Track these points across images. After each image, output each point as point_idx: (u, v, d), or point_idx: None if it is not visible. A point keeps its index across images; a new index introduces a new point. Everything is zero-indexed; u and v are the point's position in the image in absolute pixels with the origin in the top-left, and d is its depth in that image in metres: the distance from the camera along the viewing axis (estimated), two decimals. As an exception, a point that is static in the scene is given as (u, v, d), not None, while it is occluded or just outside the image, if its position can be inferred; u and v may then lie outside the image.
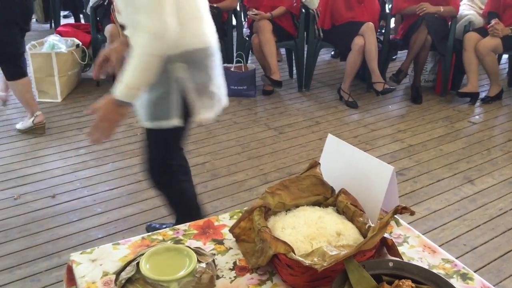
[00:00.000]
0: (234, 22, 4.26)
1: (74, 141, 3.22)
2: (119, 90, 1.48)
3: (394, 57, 4.97)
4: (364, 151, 1.27)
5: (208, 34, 1.69)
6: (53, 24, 5.66)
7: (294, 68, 4.38)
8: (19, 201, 2.57)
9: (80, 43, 3.99)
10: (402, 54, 4.93)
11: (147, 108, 1.68)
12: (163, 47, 1.48)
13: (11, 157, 3.02)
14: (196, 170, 2.93)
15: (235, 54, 4.16)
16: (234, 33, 4.24)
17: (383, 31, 4.30)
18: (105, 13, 3.97)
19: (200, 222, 1.25)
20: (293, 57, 4.32)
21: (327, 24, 3.97)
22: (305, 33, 4.15)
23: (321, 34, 4.04)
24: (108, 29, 3.84)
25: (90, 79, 4.21)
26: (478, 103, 4.00)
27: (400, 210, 0.99)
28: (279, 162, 3.05)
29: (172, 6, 1.46)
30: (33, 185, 2.71)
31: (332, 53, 5.14)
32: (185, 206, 2.00)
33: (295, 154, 3.16)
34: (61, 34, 4.08)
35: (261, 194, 1.18)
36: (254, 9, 3.94)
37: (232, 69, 4.04)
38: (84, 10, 4.65)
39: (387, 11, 4.23)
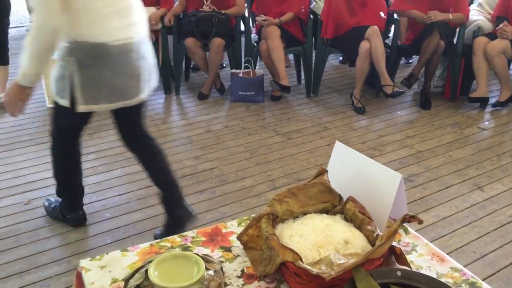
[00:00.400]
0: (242, 27, 4.27)
1: (84, 146, 3.23)
2: (19, 76, 1.83)
3: (409, 61, 4.97)
4: (373, 157, 1.27)
5: (105, 33, 1.84)
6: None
7: (303, 74, 4.39)
8: (29, 206, 2.59)
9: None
10: (414, 59, 4.94)
11: (52, 81, 1.99)
12: (46, 41, 1.76)
13: (21, 162, 3.05)
14: (204, 176, 2.94)
15: (243, 60, 4.17)
16: (242, 39, 4.26)
17: (390, 35, 4.30)
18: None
19: (208, 229, 1.26)
20: (301, 62, 4.33)
21: (329, 34, 3.98)
22: (313, 38, 4.16)
23: (329, 40, 4.05)
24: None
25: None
26: (488, 109, 3.98)
27: (408, 218, 0.99)
28: (287, 168, 3.05)
29: (55, 7, 1.70)
30: (43, 190, 2.73)
31: (341, 58, 5.14)
32: (60, 180, 2.34)
33: (303, 160, 3.16)
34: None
35: (269, 201, 1.18)
36: (262, 15, 3.96)
37: (240, 75, 4.06)
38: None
39: (395, 16, 4.22)
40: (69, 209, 2.42)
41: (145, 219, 2.51)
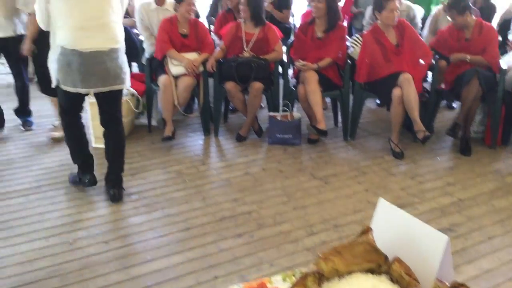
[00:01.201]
0: (280, 70, 4.38)
1: (127, 186, 3.34)
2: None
3: (452, 105, 4.97)
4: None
5: (73, 41, 2.77)
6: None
7: (340, 117, 4.43)
8: (74, 246, 2.68)
9: (135, 92, 4.20)
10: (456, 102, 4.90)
11: (50, 67, 2.97)
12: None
13: (67, 202, 3.17)
14: (242, 219, 2.98)
15: (281, 103, 4.26)
16: (281, 81, 4.35)
17: (429, 79, 4.31)
18: (159, 64, 4.18)
19: (254, 283, 1.28)
20: (339, 106, 4.38)
21: (362, 78, 4.03)
22: (350, 83, 4.21)
23: (366, 85, 4.10)
24: (162, 79, 4.04)
25: (143, 125, 4.41)
26: (531, 156, 3.89)
27: (458, 287, 0.99)
28: (325, 213, 3.05)
29: (41, 11, 2.82)
30: (87, 230, 2.83)
31: (378, 101, 5.17)
32: (71, 149, 3.20)
33: (341, 205, 3.16)
34: (117, 83, 4.31)
35: (314, 259, 1.20)
36: (300, 60, 4.06)
37: (278, 118, 4.13)
38: (140, 60, 4.90)
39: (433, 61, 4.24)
40: (82, 172, 3.21)
41: (185, 262, 2.55)
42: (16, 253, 2.60)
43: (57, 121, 4.17)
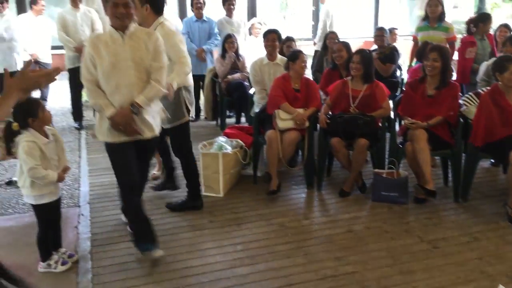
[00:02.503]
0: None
1: (233, 236, 3.47)
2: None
3: None
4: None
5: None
6: (219, 122, 6.37)
7: (450, 176, 4.24)
8: (184, 292, 2.83)
9: (243, 144, 4.42)
10: None
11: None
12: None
13: (178, 247, 3.36)
14: (344, 280, 2.94)
15: (386, 160, 4.20)
16: (387, 136, 4.31)
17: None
18: (267, 118, 4.37)
19: None
20: (449, 165, 4.20)
21: (479, 141, 3.84)
22: (463, 141, 4.05)
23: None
24: (269, 134, 4.21)
25: (249, 176, 4.59)
26: None
27: None
28: (434, 281, 2.90)
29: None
30: (195, 277, 2.97)
31: (492, 160, 4.87)
32: (193, 176, 3.91)
33: (452, 274, 2.99)
34: (227, 135, 4.57)
35: None
36: (409, 118, 4.00)
37: (384, 175, 4.06)
38: (249, 113, 5.18)
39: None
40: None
41: (287, 320, 2.57)
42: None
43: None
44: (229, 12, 6.82)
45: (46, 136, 2.92)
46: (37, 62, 6.63)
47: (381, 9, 12.88)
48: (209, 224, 3.69)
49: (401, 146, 4.16)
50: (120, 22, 2.88)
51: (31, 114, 2.81)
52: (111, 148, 3.05)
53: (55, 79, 1.81)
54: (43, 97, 6.81)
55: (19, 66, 6.17)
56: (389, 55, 5.63)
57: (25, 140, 2.81)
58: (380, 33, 5.86)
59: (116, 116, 2.90)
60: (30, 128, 2.84)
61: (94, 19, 6.25)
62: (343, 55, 4.76)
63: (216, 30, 6.68)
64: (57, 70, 1.81)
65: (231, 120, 6.46)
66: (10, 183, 4.47)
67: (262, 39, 4.99)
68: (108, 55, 2.88)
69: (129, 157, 3.03)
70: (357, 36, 12.24)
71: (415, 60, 5.62)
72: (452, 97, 3.99)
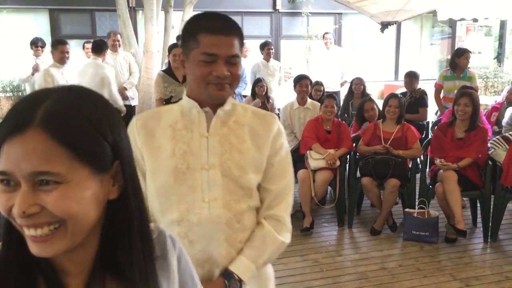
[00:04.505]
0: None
1: (270, 271, 3.60)
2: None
3: None
4: None
5: None
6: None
7: (479, 216, 4.34)
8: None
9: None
10: None
11: None
12: None
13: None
14: (383, 315, 3.03)
15: (417, 200, 4.33)
16: (417, 175, 4.45)
17: None
18: (299, 158, 4.57)
19: None
20: (478, 205, 4.31)
21: (509, 182, 3.96)
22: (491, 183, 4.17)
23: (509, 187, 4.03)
24: (301, 173, 4.39)
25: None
26: None
27: None
28: (470, 318, 2.99)
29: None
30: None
31: (520, 202, 4.95)
32: None
33: (486, 312, 3.07)
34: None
35: None
36: (441, 160, 4.15)
37: (415, 215, 4.19)
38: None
39: None
40: None
41: None
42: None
43: None
44: (268, 56, 7.04)
45: None
46: None
47: (402, 53, 13.23)
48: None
49: (430, 186, 4.29)
50: None
51: None
52: None
53: None
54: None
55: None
56: (419, 99, 5.80)
57: None
58: (409, 79, 5.94)
59: None
60: None
61: (131, 63, 6.63)
62: (375, 114, 5.05)
63: (244, 75, 6.98)
64: None
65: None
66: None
67: (292, 83, 5.24)
68: None
69: None
70: (378, 79, 12.54)
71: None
72: (481, 140, 4.15)
